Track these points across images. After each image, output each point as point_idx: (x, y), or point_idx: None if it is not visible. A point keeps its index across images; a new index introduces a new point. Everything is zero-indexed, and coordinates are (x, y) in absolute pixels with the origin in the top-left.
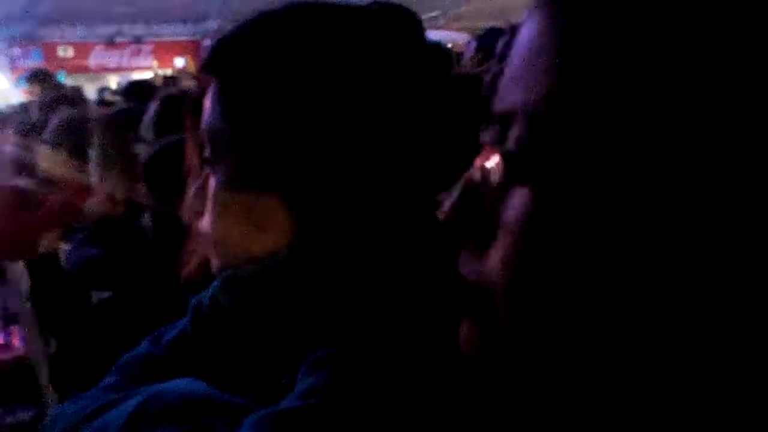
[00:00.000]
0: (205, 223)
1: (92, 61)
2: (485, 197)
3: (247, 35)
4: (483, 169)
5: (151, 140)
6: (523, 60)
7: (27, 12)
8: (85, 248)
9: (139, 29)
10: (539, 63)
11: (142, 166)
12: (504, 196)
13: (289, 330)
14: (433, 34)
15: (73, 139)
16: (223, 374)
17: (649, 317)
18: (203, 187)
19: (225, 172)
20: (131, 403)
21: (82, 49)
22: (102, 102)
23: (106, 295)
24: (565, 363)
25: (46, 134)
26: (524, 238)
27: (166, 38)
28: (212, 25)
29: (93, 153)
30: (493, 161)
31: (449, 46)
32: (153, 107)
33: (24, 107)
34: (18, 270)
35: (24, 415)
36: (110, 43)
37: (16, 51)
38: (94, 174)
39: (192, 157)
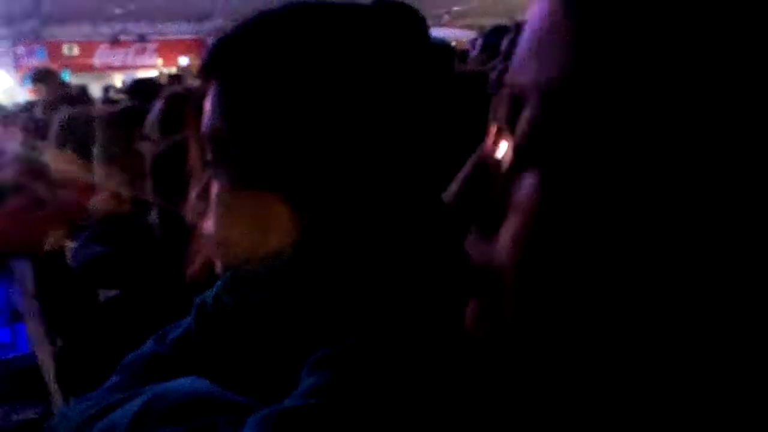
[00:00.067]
0: (208, 224)
1: (97, 60)
2: (495, 178)
3: (246, 35)
4: (492, 149)
5: (157, 138)
6: (536, 37)
7: (32, 10)
8: (91, 246)
9: (143, 28)
10: (553, 41)
11: (148, 164)
12: (515, 177)
13: (292, 329)
14: (437, 32)
15: (78, 138)
16: (226, 372)
17: (658, 301)
18: (206, 189)
19: (227, 174)
20: (136, 403)
21: (87, 48)
22: (107, 100)
23: (113, 293)
24: (574, 343)
25: (51, 133)
26: (536, 219)
27: (170, 37)
28: (216, 23)
29: (96, 151)
30: (503, 142)
31: (453, 44)
32: (158, 105)
33: (29, 106)
34: (24, 268)
35: (30, 413)
36: (115, 41)
37: (21, 49)
38: (98, 172)
39: (194, 159)
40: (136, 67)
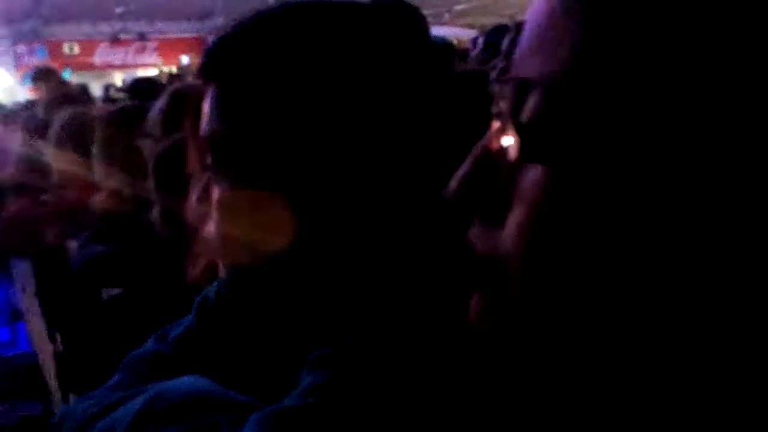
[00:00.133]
0: (210, 227)
1: (97, 58)
2: (499, 170)
3: (244, 37)
4: (495, 143)
5: (159, 136)
6: (538, 32)
7: (32, 9)
8: (93, 245)
9: (143, 26)
10: (555, 34)
11: (151, 162)
12: (520, 169)
13: (292, 328)
14: (438, 31)
15: (78, 137)
16: (228, 370)
17: (662, 293)
18: (206, 192)
19: (227, 176)
20: (138, 401)
21: (87, 47)
22: (107, 99)
23: (115, 291)
24: (579, 333)
25: (52, 132)
26: (541, 210)
27: (170, 35)
28: (217, 21)
29: (97, 150)
30: (506, 135)
31: (454, 42)
32: (161, 102)
33: (29, 105)
34: (23, 267)
35: (30, 411)
36: (115, 40)
37: (21, 48)
38: (98, 171)
39: (193, 161)
40: (137, 66)
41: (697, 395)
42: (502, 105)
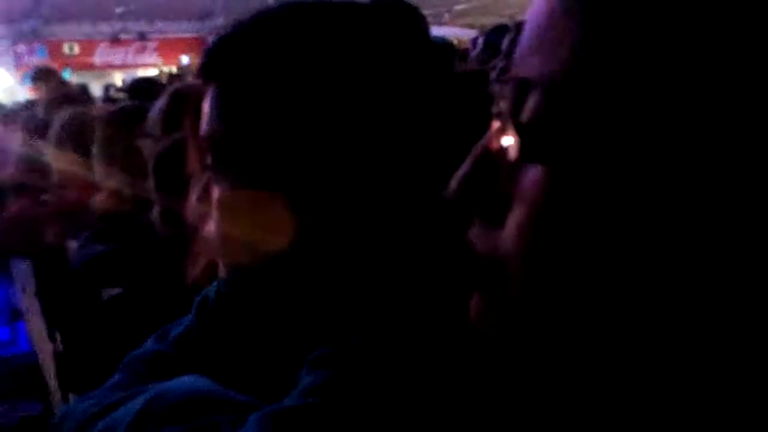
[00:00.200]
0: (210, 227)
1: (97, 58)
2: (499, 170)
3: (243, 37)
4: (495, 142)
5: (159, 136)
6: (538, 32)
7: (32, 9)
8: (93, 245)
9: (143, 26)
10: (555, 34)
11: (151, 162)
12: (520, 168)
13: (292, 327)
14: (438, 31)
15: (78, 137)
16: (227, 370)
17: (662, 293)
18: (206, 192)
19: (228, 176)
20: (138, 401)
21: (87, 47)
22: (108, 99)
23: (115, 291)
24: (579, 333)
25: (52, 132)
26: (542, 209)
27: (170, 35)
28: (217, 21)
29: (96, 150)
30: (506, 135)
31: (455, 42)
32: (161, 102)
33: (29, 105)
34: (23, 267)
35: (30, 411)
36: (115, 40)
37: (21, 48)
38: (98, 171)
39: (193, 160)
40: (137, 66)
41: (697, 395)
42: (502, 105)
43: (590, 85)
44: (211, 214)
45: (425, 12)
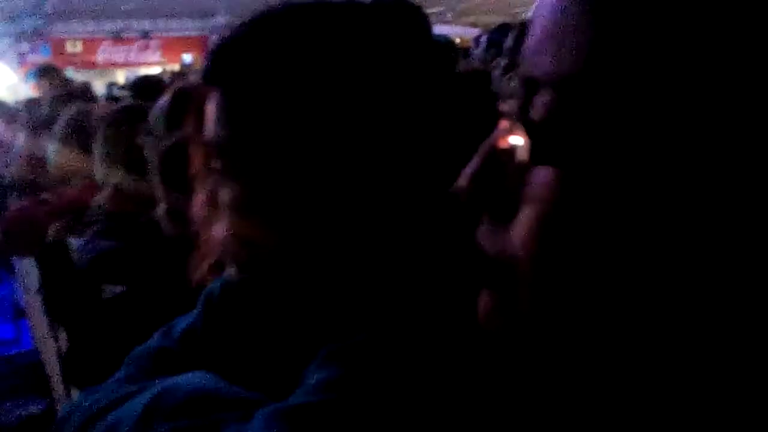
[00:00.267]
0: (218, 229)
1: (100, 57)
2: (508, 170)
3: (245, 41)
4: (504, 142)
5: (161, 134)
6: (550, 32)
7: (35, 7)
8: (97, 242)
9: (146, 24)
10: (567, 34)
11: (156, 160)
12: (530, 168)
13: (299, 324)
14: (440, 30)
15: (81, 135)
16: (233, 365)
17: (672, 294)
18: (213, 194)
19: (235, 179)
20: (145, 396)
21: (90, 45)
22: (110, 97)
23: (119, 289)
24: (588, 334)
25: (55, 129)
26: (552, 209)
27: (173, 33)
28: (220, 20)
29: (98, 148)
30: (515, 134)
31: (457, 41)
32: (164, 100)
33: (32, 102)
34: (26, 264)
35: (33, 408)
36: (118, 38)
37: (25, 46)
38: (101, 169)
39: (197, 160)
40: (139, 64)
41: (700, 396)
42: (511, 103)
43: (603, 85)
44: (217, 215)
45: (428, 11)
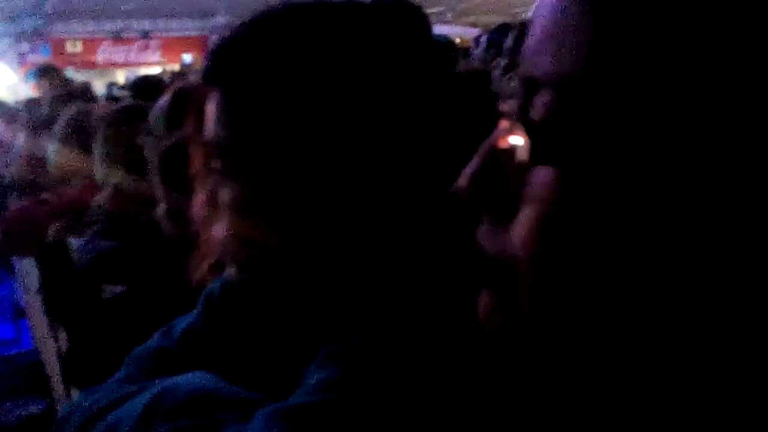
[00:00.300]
0: (218, 229)
1: (100, 57)
2: (508, 170)
3: (245, 41)
4: (503, 142)
5: (162, 134)
6: (550, 32)
7: (35, 7)
8: (97, 242)
9: (146, 24)
10: (567, 34)
11: (156, 160)
12: (530, 168)
13: (298, 323)
14: (440, 30)
15: (81, 135)
16: (233, 365)
17: (673, 296)
18: (213, 194)
19: (235, 179)
20: (145, 396)
21: (90, 45)
22: (110, 97)
23: (119, 289)
24: (588, 334)
25: (56, 129)
26: (552, 209)
27: (173, 33)
28: (220, 20)
29: (98, 148)
30: (515, 134)
31: (457, 41)
32: (164, 100)
33: (32, 102)
34: (26, 265)
35: (33, 408)
36: (118, 38)
37: (25, 46)
38: (101, 169)
39: (197, 160)
40: (139, 64)
41: (700, 396)
42: (511, 103)
43: (602, 86)
44: (217, 215)
45: (428, 11)
